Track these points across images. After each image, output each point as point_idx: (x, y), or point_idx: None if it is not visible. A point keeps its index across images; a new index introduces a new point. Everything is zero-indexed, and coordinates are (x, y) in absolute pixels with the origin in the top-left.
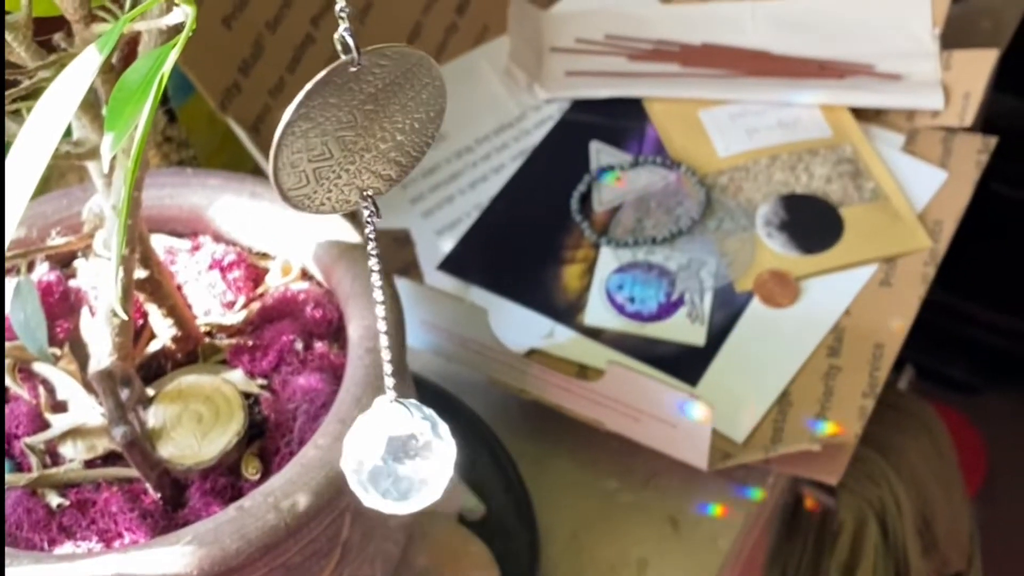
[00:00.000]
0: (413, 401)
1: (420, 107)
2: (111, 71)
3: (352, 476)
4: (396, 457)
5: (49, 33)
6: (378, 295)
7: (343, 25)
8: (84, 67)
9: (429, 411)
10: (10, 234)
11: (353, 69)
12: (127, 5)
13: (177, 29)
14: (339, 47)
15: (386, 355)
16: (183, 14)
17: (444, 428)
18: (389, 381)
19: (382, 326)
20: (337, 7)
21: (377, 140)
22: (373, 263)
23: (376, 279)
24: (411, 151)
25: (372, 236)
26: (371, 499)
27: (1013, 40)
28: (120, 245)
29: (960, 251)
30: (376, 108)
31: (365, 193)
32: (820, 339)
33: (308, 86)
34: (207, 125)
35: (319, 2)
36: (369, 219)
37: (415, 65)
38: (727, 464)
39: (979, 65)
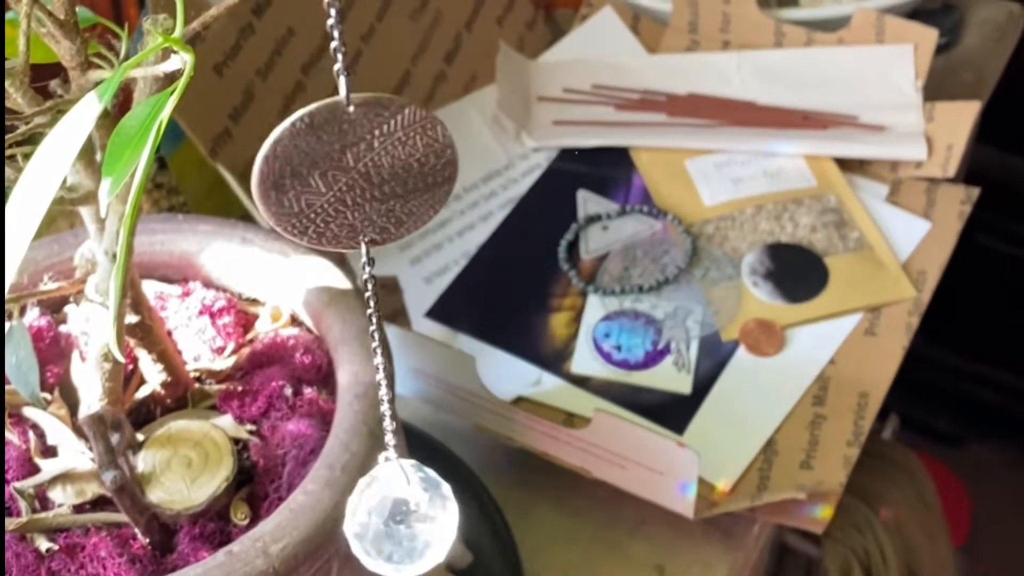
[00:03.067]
0: (414, 462)
1: (428, 172)
2: (107, 117)
3: (355, 542)
4: (399, 520)
5: (46, 80)
6: (375, 346)
7: (336, 65)
8: (83, 114)
9: (431, 472)
10: (11, 278)
11: (348, 110)
12: (122, 52)
13: (172, 76)
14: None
15: (387, 410)
16: (180, 61)
17: (447, 488)
18: (390, 439)
19: (382, 380)
20: (332, 46)
21: (373, 189)
22: (371, 313)
23: (373, 329)
24: (414, 211)
25: (370, 285)
26: (375, 564)
27: (995, 92)
28: (119, 287)
29: (945, 303)
30: (374, 159)
31: (362, 239)
32: (805, 388)
33: (300, 111)
34: (197, 172)
35: (309, 50)
36: (364, 267)
37: (420, 123)
38: (713, 512)
39: (962, 116)
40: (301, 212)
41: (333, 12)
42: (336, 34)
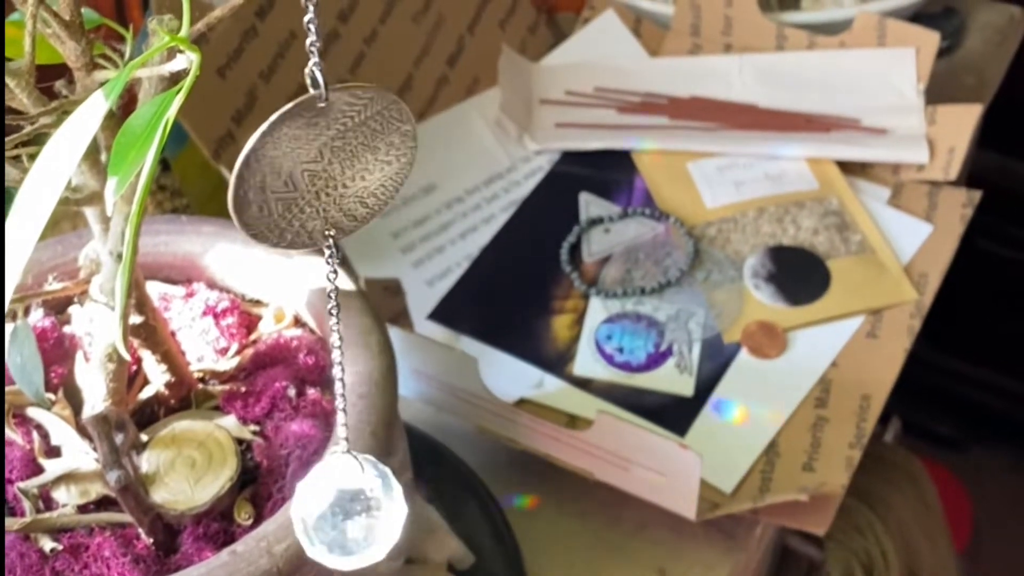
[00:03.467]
0: (369, 456)
1: (390, 150)
2: (111, 118)
3: (299, 524)
4: (345, 511)
5: (51, 80)
6: (335, 340)
7: (312, 59)
8: (89, 114)
9: (384, 468)
10: (17, 278)
11: (321, 104)
12: (127, 53)
13: (177, 77)
14: (308, 81)
15: (340, 403)
16: (187, 60)
17: (397, 487)
18: (342, 431)
19: (336, 359)
20: (308, 41)
21: (344, 178)
22: (332, 306)
23: (333, 323)
24: (378, 194)
25: (334, 274)
26: (314, 551)
27: (996, 96)
28: (125, 286)
29: (948, 308)
30: (344, 146)
31: (327, 233)
32: (807, 390)
33: (273, 116)
34: (200, 174)
35: None
36: (329, 260)
37: (387, 107)
38: (715, 514)
39: (963, 120)
40: (275, 218)
41: (311, 7)
42: (312, 28)
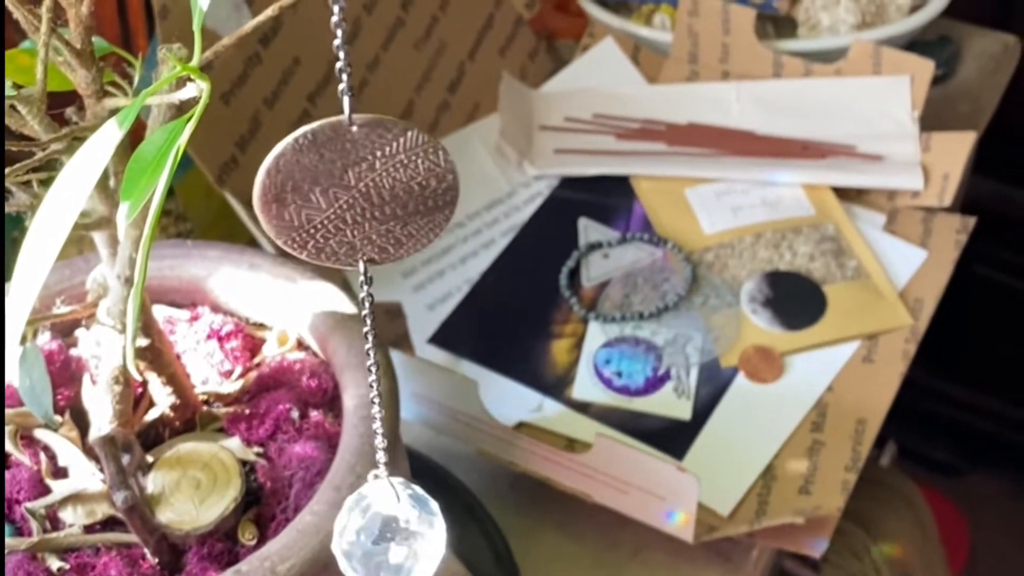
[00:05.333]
0: (403, 479)
1: (429, 196)
2: (120, 144)
3: (343, 560)
4: (387, 538)
5: (62, 107)
6: (370, 362)
7: (342, 84)
8: (103, 142)
9: (419, 489)
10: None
11: (350, 129)
12: (136, 82)
13: (185, 105)
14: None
15: (379, 428)
16: (196, 89)
17: (435, 506)
18: (382, 456)
19: (374, 394)
20: (338, 65)
21: (374, 209)
22: (367, 331)
23: (370, 347)
24: (413, 233)
25: (368, 304)
26: None
27: (991, 123)
28: (136, 308)
29: (944, 333)
30: (376, 179)
31: (360, 257)
32: (804, 414)
33: (304, 128)
34: (204, 199)
35: (315, 79)
36: (363, 285)
37: (421, 149)
38: (712, 537)
39: (958, 147)
40: (301, 226)
41: (339, 33)
42: (342, 55)
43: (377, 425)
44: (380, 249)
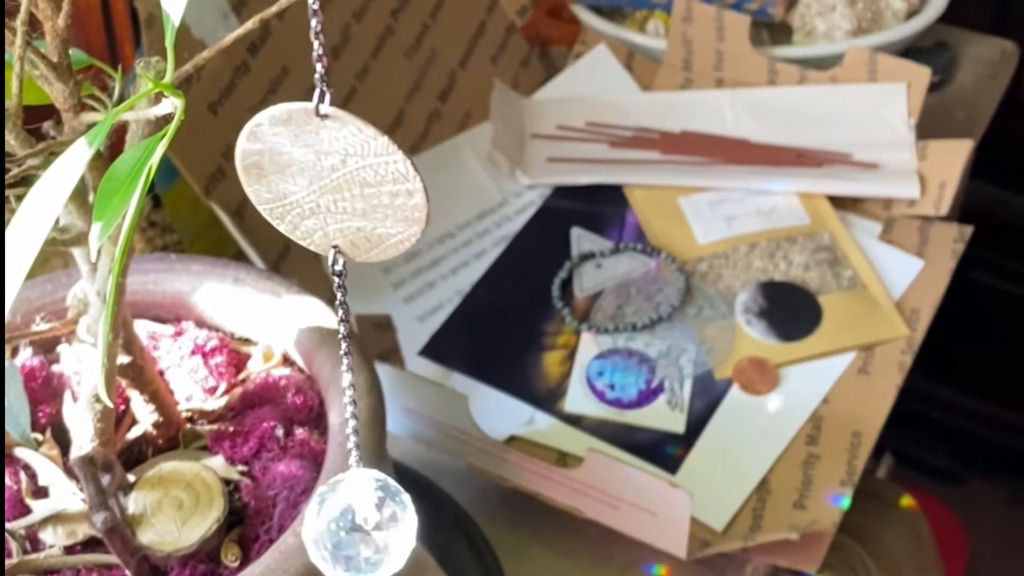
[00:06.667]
0: (375, 471)
1: (399, 208)
2: (99, 158)
3: (313, 548)
4: (357, 528)
5: (39, 121)
6: (343, 348)
7: (317, 73)
8: (74, 160)
9: (391, 481)
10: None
11: (320, 115)
12: (115, 94)
13: (165, 119)
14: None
15: (352, 423)
16: (171, 105)
17: (406, 498)
18: (353, 451)
19: (347, 387)
20: (314, 54)
21: (345, 203)
22: (340, 319)
23: (343, 336)
24: (383, 239)
25: (340, 295)
26: (332, 572)
27: (989, 129)
28: (107, 332)
29: (942, 339)
30: (346, 176)
31: (331, 245)
32: (799, 427)
33: (281, 105)
34: (191, 210)
35: (304, 88)
36: (332, 270)
37: (389, 160)
38: (706, 553)
39: (954, 155)
40: (278, 199)
41: (314, 22)
42: (316, 43)
43: (348, 414)
44: (352, 244)
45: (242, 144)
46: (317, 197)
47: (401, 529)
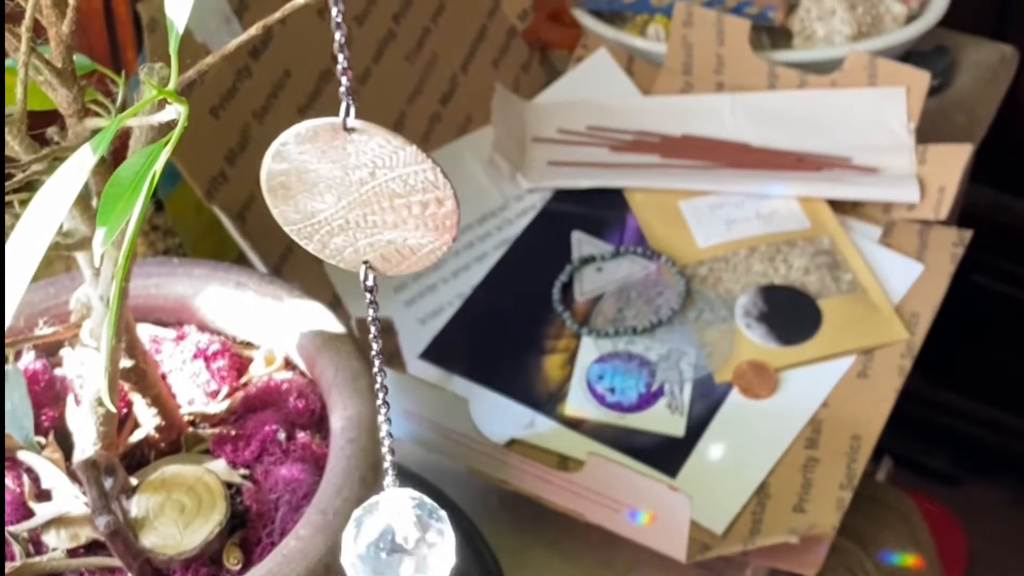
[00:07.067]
0: (413, 491)
1: (429, 217)
2: (102, 163)
3: (352, 572)
4: (396, 550)
5: (43, 127)
6: (376, 368)
7: (342, 87)
8: (78, 166)
9: (428, 500)
10: (8, 322)
11: (348, 130)
12: (119, 99)
13: (169, 125)
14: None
15: (386, 438)
16: (175, 112)
17: (444, 517)
18: (389, 467)
19: (382, 406)
20: (339, 67)
21: (375, 216)
22: (373, 335)
23: (375, 354)
24: (415, 251)
25: (372, 311)
26: None
27: (989, 132)
28: (110, 338)
29: (942, 342)
30: (375, 188)
31: (362, 261)
32: (798, 431)
33: (308, 122)
34: (193, 213)
35: (306, 92)
36: (364, 286)
37: (419, 169)
38: (706, 556)
39: (954, 159)
40: (306, 218)
41: (338, 36)
42: (342, 57)
43: (384, 433)
44: (383, 258)
45: (267, 164)
46: (346, 213)
47: (440, 549)
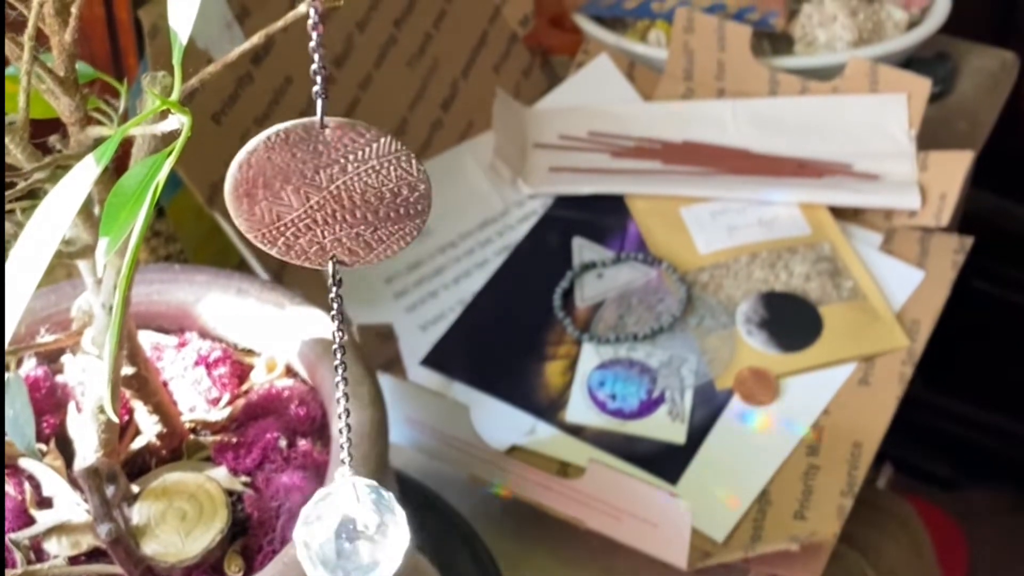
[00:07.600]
0: (371, 481)
1: (401, 203)
2: (105, 172)
3: (303, 550)
4: (348, 537)
5: (45, 135)
6: (338, 361)
7: (316, 87)
8: (81, 177)
9: (385, 492)
10: (10, 332)
11: (321, 130)
12: (121, 107)
13: (172, 134)
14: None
15: (343, 426)
16: (178, 122)
17: (400, 511)
18: (346, 456)
19: (339, 378)
20: (312, 67)
21: (344, 212)
22: (335, 330)
23: (336, 347)
24: (384, 239)
25: (336, 305)
26: (318, 574)
27: (991, 138)
28: (113, 346)
29: (943, 347)
30: (347, 182)
31: (330, 258)
32: (799, 438)
33: (276, 127)
34: (195, 219)
35: (307, 98)
36: (331, 286)
37: (393, 156)
38: (706, 563)
39: (955, 166)
40: (271, 223)
41: (315, 35)
42: (316, 56)
43: (342, 415)
44: (350, 252)
45: (233, 174)
46: (314, 212)
47: (392, 539)
